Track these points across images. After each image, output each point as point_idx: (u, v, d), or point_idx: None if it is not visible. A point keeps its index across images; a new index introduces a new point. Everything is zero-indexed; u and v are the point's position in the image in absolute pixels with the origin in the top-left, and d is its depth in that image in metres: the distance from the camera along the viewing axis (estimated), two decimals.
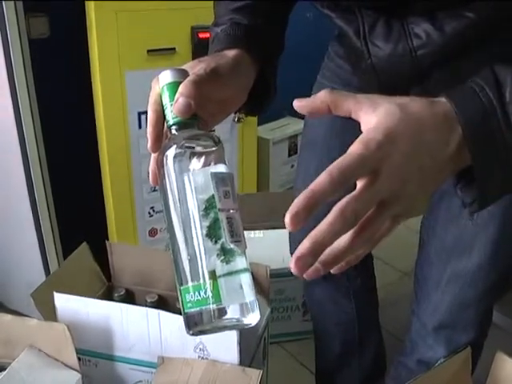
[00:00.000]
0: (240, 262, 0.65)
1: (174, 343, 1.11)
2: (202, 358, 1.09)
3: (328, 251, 0.60)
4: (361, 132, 1.18)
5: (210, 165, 0.67)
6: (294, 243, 1.47)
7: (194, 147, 0.67)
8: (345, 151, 1.14)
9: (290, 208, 0.56)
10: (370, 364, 1.58)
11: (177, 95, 0.70)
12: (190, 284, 0.64)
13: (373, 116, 0.63)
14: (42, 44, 1.84)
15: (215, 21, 0.94)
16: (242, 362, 1.07)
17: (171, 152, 0.66)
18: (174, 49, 1.92)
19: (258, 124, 2.43)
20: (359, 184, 0.60)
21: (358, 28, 0.94)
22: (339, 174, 0.57)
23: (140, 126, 1.94)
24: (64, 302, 1.16)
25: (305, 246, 0.57)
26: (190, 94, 0.70)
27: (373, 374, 1.59)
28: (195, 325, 0.64)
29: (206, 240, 0.64)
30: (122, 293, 1.36)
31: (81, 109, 1.88)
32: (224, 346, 1.06)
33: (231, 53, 0.84)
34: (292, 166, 2.76)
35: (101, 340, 1.17)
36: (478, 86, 0.63)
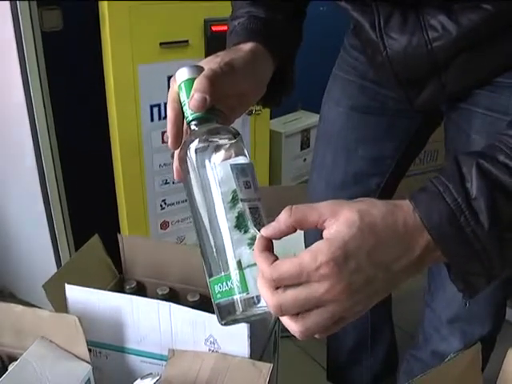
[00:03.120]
0: None
1: (184, 336, 1.11)
2: (213, 350, 1.09)
3: None
4: (376, 127, 1.17)
5: (230, 157, 0.68)
6: (308, 238, 1.47)
7: (214, 141, 0.68)
8: (359, 144, 1.14)
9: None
10: (382, 359, 1.58)
11: (192, 91, 0.71)
12: (218, 275, 0.66)
13: (334, 225, 0.62)
14: (55, 37, 1.84)
15: (232, 14, 0.95)
16: (252, 356, 1.07)
17: (193, 146, 0.68)
18: (187, 41, 1.92)
19: (271, 117, 2.42)
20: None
21: (374, 20, 0.94)
22: (276, 276, 0.60)
23: (152, 119, 1.94)
24: (75, 294, 1.16)
25: None
26: (205, 88, 0.71)
27: (385, 370, 1.59)
28: (228, 314, 0.67)
29: (234, 231, 0.65)
30: (133, 285, 1.36)
31: (93, 102, 1.88)
32: (235, 339, 1.06)
33: (247, 46, 0.84)
34: (304, 160, 2.75)
35: (112, 332, 1.17)
36: (442, 185, 0.62)
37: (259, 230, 0.64)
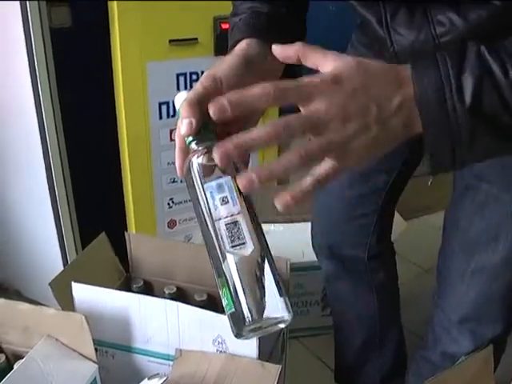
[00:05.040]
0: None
1: (192, 336, 1.10)
2: (221, 351, 1.08)
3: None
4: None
5: (213, 176, 0.70)
6: (315, 236, 1.47)
7: (204, 161, 0.70)
8: None
9: (220, 98, 0.63)
10: (391, 360, 1.56)
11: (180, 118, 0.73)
12: (220, 291, 0.68)
13: (332, 65, 0.66)
14: (64, 34, 1.83)
15: (233, 10, 0.94)
16: (260, 357, 1.06)
17: (186, 168, 0.72)
18: (196, 39, 1.90)
19: (279, 114, 2.40)
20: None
21: (381, 16, 0.93)
22: (275, 90, 0.62)
23: (161, 117, 1.93)
24: (82, 292, 1.15)
25: (231, 141, 0.62)
26: (188, 113, 0.71)
27: (393, 371, 1.58)
28: (233, 327, 0.67)
29: (217, 248, 0.67)
30: (140, 284, 1.35)
31: (102, 99, 1.87)
32: (243, 340, 1.04)
33: (237, 50, 0.84)
34: None
35: (118, 331, 1.16)
36: (441, 56, 0.65)
37: (237, 246, 0.66)
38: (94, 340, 1.05)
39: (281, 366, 1.02)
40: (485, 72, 0.63)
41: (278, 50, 0.71)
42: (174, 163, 1.89)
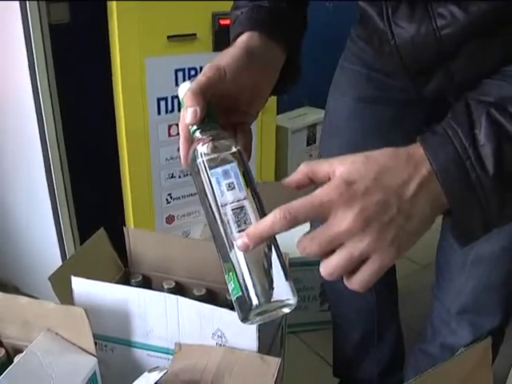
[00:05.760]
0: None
1: (191, 330, 1.10)
2: (220, 344, 1.08)
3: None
4: (383, 119, 1.17)
5: (219, 162, 0.71)
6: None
7: (210, 150, 0.72)
8: (366, 134, 1.15)
9: (244, 233, 0.64)
10: (389, 355, 1.57)
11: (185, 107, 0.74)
12: (226, 275, 0.68)
13: (341, 170, 0.65)
14: (62, 29, 1.83)
15: (234, 4, 0.94)
16: (260, 350, 1.06)
17: (191, 157, 0.73)
18: (195, 35, 1.91)
19: (277, 113, 2.42)
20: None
21: (382, 9, 0.93)
22: (289, 215, 0.62)
23: (159, 113, 1.93)
24: (81, 286, 1.15)
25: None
26: (192, 102, 0.73)
27: (391, 365, 1.58)
28: (240, 312, 0.67)
29: (224, 234, 0.68)
30: (139, 279, 1.35)
31: (100, 95, 1.87)
32: (243, 333, 1.05)
33: (238, 42, 0.84)
34: (310, 156, 2.75)
35: (118, 325, 1.16)
36: (451, 129, 0.64)
37: (243, 230, 0.66)
38: (93, 334, 1.04)
39: (280, 359, 1.02)
40: (501, 136, 0.63)
41: (286, 182, 0.71)
42: (172, 159, 1.90)
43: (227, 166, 0.70)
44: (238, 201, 0.68)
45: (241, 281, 0.66)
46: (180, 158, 0.77)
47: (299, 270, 1.91)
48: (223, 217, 0.67)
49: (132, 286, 1.31)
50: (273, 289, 0.65)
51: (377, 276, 0.65)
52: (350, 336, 1.58)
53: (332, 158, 0.67)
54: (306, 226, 1.55)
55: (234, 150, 0.72)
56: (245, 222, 0.67)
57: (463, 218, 0.66)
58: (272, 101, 2.19)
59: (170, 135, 1.97)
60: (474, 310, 1.17)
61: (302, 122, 2.73)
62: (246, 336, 1.05)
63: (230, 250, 0.67)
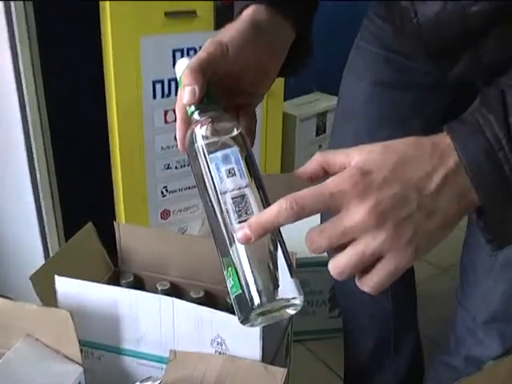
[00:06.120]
0: None
1: (188, 336, 1.09)
2: (220, 352, 1.06)
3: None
4: (402, 104, 1.16)
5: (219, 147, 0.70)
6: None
7: (209, 132, 0.71)
8: (383, 121, 1.15)
9: (246, 224, 0.63)
10: (407, 366, 1.56)
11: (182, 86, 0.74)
12: (224, 271, 0.67)
13: (357, 159, 0.65)
14: (47, 4, 1.81)
15: None
16: (263, 359, 1.04)
17: (188, 140, 0.73)
18: (195, 12, 1.90)
19: (284, 99, 2.42)
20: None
21: None
22: (296, 205, 0.61)
23: (155, 97, 1.93)
24: (66, 287, 1.14)
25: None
26: (190, 81, 0.72)
27: (409, 379, 1.57)
28: (239, 312, 0.66)
29: (223, 226, 0.67)
30: (130, 279, 1.34)
31: (90, 76, 1.86)
32: (245, 341, 1.04)
33: (243, 16, 0.83)
34: (320, 147, 2.75)
35: (106, 330, 1.15)
36: (482, 117, 0.63)
37: (244, 221, 0.65)
38: (79, 340, 1.03)
39: (286, 370, 1.01)
40: None
41: (298, 173, 0.70)
42: (168, 148, 1.91)
43: (228, 151, 0.69)
44: (239, 188, 0.67)
45: (241, 277, 0.65)
46: (177, 145, 0.76)
47: (306, 271, 1.90)
48: (222, 206, 0.67)
49: (122, 286, 1.29)
50: (277, 286, 0.64)
51: (391, 278, 0.64)
52: (362, 345, 1.57)
53: (349, 148, 0.66)
54: (316, 219, 1.53)
55: (235, 133, 0.71)
56: (246, 212, 0.66)
57: (496, 216, 0.65)
58: (279, 85, 2.18)
59: (166, 122, 1.96)
60: (504, 318, 1.16)
61: (311, 109, 2.73)
62: (248, 343, 1.04)
63: (230, 243, 0.66)
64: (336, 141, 1.37)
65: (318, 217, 1.46)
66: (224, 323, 1.04)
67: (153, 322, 1.10)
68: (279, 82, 2.11)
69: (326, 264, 1.49)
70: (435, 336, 1.83)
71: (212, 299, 1.29)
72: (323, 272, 1.79)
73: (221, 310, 1.04)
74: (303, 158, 2.67)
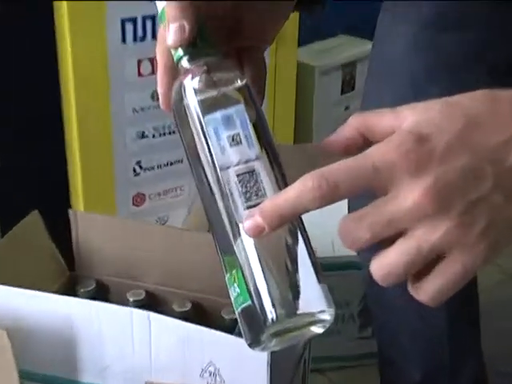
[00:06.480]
0: None
1: (170, 363, 1.09)
2: None
3: None
4: (456, 52, 1.16)
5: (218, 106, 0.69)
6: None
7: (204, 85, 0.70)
8: (434, 76, 1.13)
9: (256, 210, 0.60)
10: None
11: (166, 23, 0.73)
12: (227, 274, 0.66)
13: (410, 122, 0.62)
14: None
15: None
16: None
17: (175, 97, 0.71)
18: None
19: (299, 44, 2.41)
20: None
21: None
22: (327, 183, 0.59)
23: (124, 40, 1.91)
24: (3, 298, 1.14)
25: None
26: (178, 14, 0.71)
27: None
28: (247, 331, 0.64)
29: (224, 215, 0.66)
30: (90, 287, 1.36)
31: (37, 11, 1.85)
32: (247, 370, 1.03)
33: None
34: (346, 108, 2.75)
35: (57, 357, 1.16)
36: None
37: (254, 206, 0.63)
38: (18, 371, 1.02)
39: None
40: None
41: (328, 142, 0.67)
42: (143, 110, 1.90)
43: (230, 110, 0.67)
44: (247, 162, 0.65)
45: (250, 283, 0.62)
46: (156, 105, 0.75)
47: (330, 275, 1.88)
48: (224, 186, 0.64)
49: (80, 297, 1.31)
50: (298, 295, 0.62)
51: (457, 284, 0.61)
52: (406, 375, 1.56)
53: (399, 107, 0.64)
54: (343, 210, 1.52)
55: (239, 84, 0.69)
56: (256, 194, 0.64)
57: None
58: (292, 26, 2.16)
59: (140, 74, 1.95)
60: None
61: (334, 58, 2.72)
62: (251, 374, 1.03)
63: (234, 237, 0.64)
64: (371, 104, 1.35)
65: (344, 207, 1.46)
66: (219, 346, 1.04)
67: (122, 344, 1.11)
68: (293, 22, 2.10)
69: (354, 266, 1.48)
70: (503, 357, 1.83)
71: (202, 313, 1.30)
72: (351, 276, 1.79)
73: (214, 327, 1.04)
74: (324, 123, 2.66)
